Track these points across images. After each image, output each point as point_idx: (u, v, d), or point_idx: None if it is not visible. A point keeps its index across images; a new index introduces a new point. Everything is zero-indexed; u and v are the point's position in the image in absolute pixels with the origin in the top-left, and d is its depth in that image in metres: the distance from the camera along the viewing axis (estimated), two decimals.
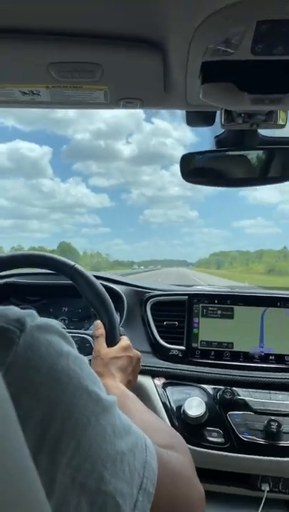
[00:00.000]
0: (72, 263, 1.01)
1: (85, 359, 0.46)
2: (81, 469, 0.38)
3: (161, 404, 1.17)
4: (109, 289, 1.33)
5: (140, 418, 0.66)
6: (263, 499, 1.09)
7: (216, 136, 1.08)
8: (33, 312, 0.45)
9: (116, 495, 0.40)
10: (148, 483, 0.44)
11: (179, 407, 1.15)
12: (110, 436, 0.42)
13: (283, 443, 1.08)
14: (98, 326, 0.95)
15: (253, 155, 1.04)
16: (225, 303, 1.29)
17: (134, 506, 0.41)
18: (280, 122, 0.90)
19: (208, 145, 1.11)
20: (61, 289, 1.39)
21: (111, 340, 0.94)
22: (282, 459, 1.07)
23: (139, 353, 0.94)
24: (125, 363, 0.89)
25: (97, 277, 1.05)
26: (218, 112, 0.94)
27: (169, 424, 1.13)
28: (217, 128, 1.02)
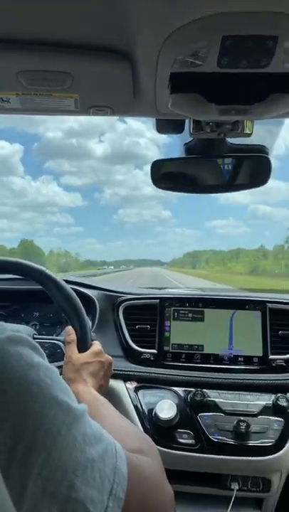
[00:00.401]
0: (43, 268, 1.00)
1: (56, 370, 0.46)
2: (52, 479, 0.39)
3: (132, 408, 1.18)
4: (80, 294, 1.33)
5: (111, 423, 0.67)
6: (233, 498, 1.12)
7: (186, 144, 1.10)
8: (2, 323, 0.45)
9: (86, 502, 0.40)
10: (118, 489, 0.45)
11: (151, 410, 1.16)
12: (81, 444, 0.43)
13: (252, 443, 1.11)
14: (69, 332, 0.95)
15: (221, 162, 1.07)
16: (196, 306, 1.32)
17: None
18: (247, 131, 0.93)
19: (179, 148, 1.13)
20: (32, 294, 1.38)
21: (82, 346, 0.94)
22: (251, 458, 1.10)
23: (110, 358, 0.95)
24: (97, 368, 0.90)
25: (68, 282, 1.05)
26: (187, 120, 0.96)
27: (141, 428, 1.14)
28: (186, 135, 1.04)
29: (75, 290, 1.03)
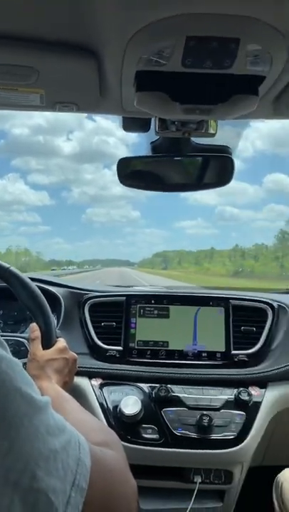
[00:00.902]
0: (7, 265, 0.99)
1: (19, 362, 0.46)
2: (14, 469, 0.39)
3: (98, 405, 1.19)
4: (45, 291, 1.32)
5: (75, 418, 0.67)
6: (195, 490, 1.14)
7: (152, 142, 1.11)
8: None
9: (48, 492, 0.41)
10: (81, 480, 0.45)
11: (116, 407, 1.17)
12: (43, 435, 0.43)
13: (214, 436, 1.14)
14: (34, 329, 0.94)
15: (187, 161, 1.09)
16: (161, 303, 1.34)
17: (66, 502, 0.42)
18: (211, 131, 0.95)
19: (146, 147, 1.14)
20: None
21: (47, 343, 0.93)
22: (214, 451, 1.13)
23: (75, 355, 0.95)
24: (61, 364, 0.90)
25: (34, 279, 1.04)
26: (153, 119, 0.97)
27: (106, 423, 1.15)
28: (153, 134, 1.05)
29: (40, 288, 1.02)
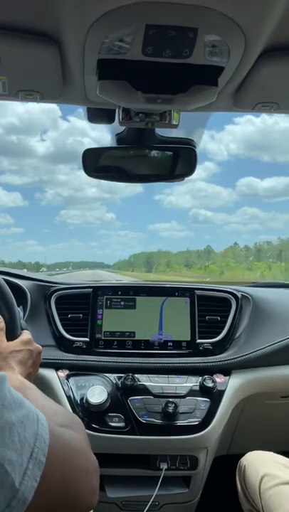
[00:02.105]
0: None
1: None
2: None
3: (64, 395, 1.19)
4: (11, 284, 1.31)
5: (38, 404, 0.68)
6: (161, 477, 1.16)
7: (117, 134, 1.12)
8: None
9: (4, 462, 0.42)
10: (39, 453, 0.46)
11: (82, 397, 1.18)
12: None
13: (180, 422, 1.16)
14: None
15: (152, 153, 1.11)
16: (128, 294, 1.35)
17: (23, 474, 0.43)
18: (174, 122, 0.97)
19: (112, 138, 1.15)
20: None
21: (11, 334, 0.93)
22: (179, 437, 1.15)
23: (39, 347, 0.95)
24: (26, 356, 0.89)
25: None
26: (117, 110, 0.98)
27: (71, 411, 1.15)
28: (117, 126, 1.06)
29: (5, 280, 1.02)
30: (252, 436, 1.48)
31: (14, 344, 0.92)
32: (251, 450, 1.22)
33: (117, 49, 0.69)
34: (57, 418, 0.63)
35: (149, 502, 1.12)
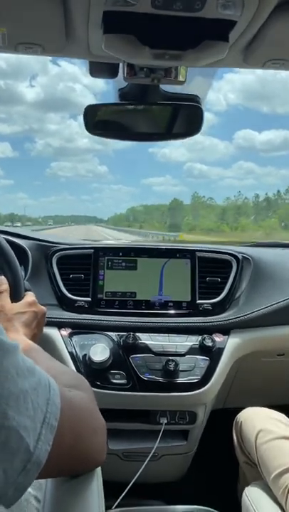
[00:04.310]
0: None
1: None
2: None
3: (67, 353, 1.22)
4: (12, 244, 1.30)
5: (45, 365, 0.70)
6: (161, 431, 1.22)
7: (120, 89, 1.08)
8: None
9: (20, 429, 0.43)
10: (51, 418, 0.47)
11: (85, 354, 1.21)
12: (13, 376, 0.45)
13: (180, 380, 1.20)
14: (1, 282, 0.94)
15: (156, 110, 1.07)
16: (129, 255, 1.35)
17: (37, 438, 0.45)
18: (180, 79, 0.93)
19: (114, 94, 1.11)
20: None
21: (16, 296, 0.93)
22: (179, 393, 1.20)
23: (44, 308, 0.96)
24: (30, 317, 0.90)
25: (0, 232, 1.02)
26: (121, 65, 0.94)
27: (75, 370, 1.19)
28: (121, 81, 1.02)
29: (6, 240, 1.01)
30: (248, 391, 1.54)
31: (19, 306, 0.92)
32: (246, 404, 1.27)
33: (125, 1, 0.65)
34: (64, 378, 0.64)
35: (150, 454, 1.18)
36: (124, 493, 1.08)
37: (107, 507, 1.05)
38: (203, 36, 0.73)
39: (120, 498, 1.08)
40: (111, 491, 0.73)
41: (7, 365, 0.45)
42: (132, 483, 1.11)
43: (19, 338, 0.85)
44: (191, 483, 1.44)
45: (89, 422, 0.58)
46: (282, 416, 1.13)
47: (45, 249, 1.39)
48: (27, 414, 0.45)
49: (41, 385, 0.49)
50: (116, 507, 1.09)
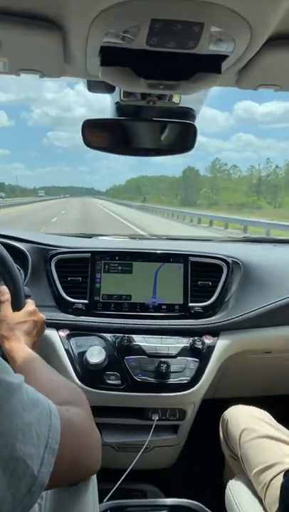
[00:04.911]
0: None
1: None
2: None
3: (65, 354, 1.28)
4: (12, 247, 1.36)
5: (44, 378, 0.75)
6: (153, 426, 1.29)
7: (117, 103, 1.11)
8: None
9: (26, 458, 0.49)
10: (52, 442, 0.53)
11: (82, 356, 1.27)
12: (20, 412, 0.51)
13: (171, 381, 1.28)
14: (3, 292, 0.99)
15: (152, 126, 1.11)
16: (125, 259, 1.41)
17: (40, 463, 0.51)
18: (175, 101, 0.97)
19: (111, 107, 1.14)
20: None
21: (17, 305, 0.98)
22: (170, 394, 1.28)
23: (43, 316, 1.01)
24: (31, 326, 0.95)
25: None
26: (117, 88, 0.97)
27: (73, 372, 1.25)
28: (118, 94, 1.05)
29: (6, 244, 1.05)
30: (236, 384, 1.62)
31: (20, 315, 0.98)
32: (234, 395, 1.35)
33: (121, 38, 0.69)
34: (62, 393, 0.70)
35: (143, 446, 1.26)
36: (121, 480, 1.17)
37: (104, 490, 1.14)
38: (196, 69, 0.77)
39: (117, 484, 1.16)
40: (107, 476, 0.78)
41: (14, 403, 0.50)
42: (127, 472, 1.20)
43: (21, 346, 0.91)
44: (181, 470, 1.54)
45: (86, 438, 0.64)
46: (265, 414, 1.21)
47: (45, 252, 1.43)
48: (32, 443, 0.50)
49: (43, 414, 0.54)
50: (113, 493, 1.17)
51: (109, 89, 1.05)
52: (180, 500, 1.19)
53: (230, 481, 1.16)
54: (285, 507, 0.81)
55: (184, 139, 1.09)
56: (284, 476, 0.85)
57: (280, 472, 0.98)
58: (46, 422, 0.54)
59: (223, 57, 0.76)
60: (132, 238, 1.94)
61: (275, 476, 0.99)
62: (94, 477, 0.66)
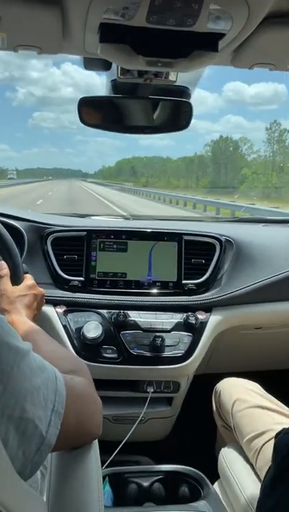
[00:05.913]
0: None
1: (3, 316, 0.56)
2: (8, 405, 0.50)
3: (62, 329, 1.31)
4: (9, 226, 1.37)
5: (47, 349, 0.79)
6: (148, 398, 1.34)
7: (112, 81, 1.12)
8: None
9: (35, 419, 0.53)
10: (58, 406, 0.57)
11: (79, 331, 1.31)
12: (28, 376, 0.54)
13: (166, 354, 1.32)
14: (2, 267, 1.01)
15: (147, 104, 1.12)
16: (120, 238, 1.43)
17: (48, 424, 0.55)
18: (171, 78, 0.99)
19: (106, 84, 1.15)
20: None
21: (16, 279, 1.01)
22: (165, 366, 1.32)
23: (42, 290, 1.04)
24: (31, 300, 0.98)
25: None
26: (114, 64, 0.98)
27: (70, 346, 1.29)
28: (114, 73, 1.06)
29: (2, 222, 1.07)
30: (227, 359, 1.68)
31: (20, 289, 1.00)
32: (226, 369, 1.40)
33: (121, 16, 0.70)
34: (64, 363, 0.74)
35: (138, 418, 1.31)
36: (116, 451, 1.21)
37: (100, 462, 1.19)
38: (194, 47, 0.79)
39: (113, 455, 1.21)
40: (103, 448, 0.83)
41: (23, 367, 0.54)
42: (122, 443, 1.25)
43: (22, 319, 0.94)
44: (174, 442, 1.60)
45: (89, 404, 0.68)
46: (256, 386, 1.26)
47: (41, 231, 1.45)
48: (40, 406, 0.54)
49: (50, 379, 0.58)
50: (109, 463, 1.22)
51: (106, 66, 1.06)
52: (175, 466, 1.24)
53: (222, 449, 1.21)
54: (281, 460, 0.86)
55: (179, 117, 1.11)
56: (275, 437, 0.90)
57: (271, 438, 1.03)
58: (52, 387, 0.57)
59: (221, 35, 0.77)
60: (126, 218, 1.96)
61: (266, 442, 1.04)
62: (96, 442, 0.70)
